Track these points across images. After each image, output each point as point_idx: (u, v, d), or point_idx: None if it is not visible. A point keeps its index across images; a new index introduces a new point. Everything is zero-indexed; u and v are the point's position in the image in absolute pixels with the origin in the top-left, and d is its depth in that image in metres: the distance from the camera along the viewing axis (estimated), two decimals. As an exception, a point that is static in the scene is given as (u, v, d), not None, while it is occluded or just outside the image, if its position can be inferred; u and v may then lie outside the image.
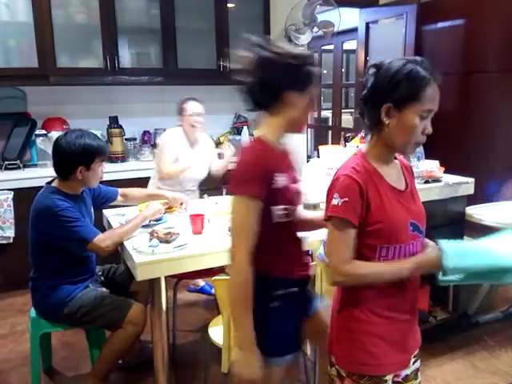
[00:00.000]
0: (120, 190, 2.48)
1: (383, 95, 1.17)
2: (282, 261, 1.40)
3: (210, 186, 3.13)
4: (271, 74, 1.30)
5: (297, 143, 4.66)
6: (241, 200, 1.27)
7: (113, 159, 3.76)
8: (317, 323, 1.50)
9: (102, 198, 2.38)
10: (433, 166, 2.69)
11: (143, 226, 2.18)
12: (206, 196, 2.80)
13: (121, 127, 3.82)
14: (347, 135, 3.13)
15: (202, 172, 3.10)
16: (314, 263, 1.74)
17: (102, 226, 2.46)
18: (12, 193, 3.21)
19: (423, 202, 1.32)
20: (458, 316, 2.81)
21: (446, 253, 1.12)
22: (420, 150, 2.73)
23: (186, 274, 2.02)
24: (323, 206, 1.28)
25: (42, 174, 3.20)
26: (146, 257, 1.86)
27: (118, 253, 2.13)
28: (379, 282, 1.19)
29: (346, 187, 1.16)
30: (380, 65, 1.19)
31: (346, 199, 1.15)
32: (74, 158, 2.02)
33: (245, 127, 4.27)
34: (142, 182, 2.99)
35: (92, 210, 2.28)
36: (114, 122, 3.81)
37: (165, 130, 3.71)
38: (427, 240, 1.29)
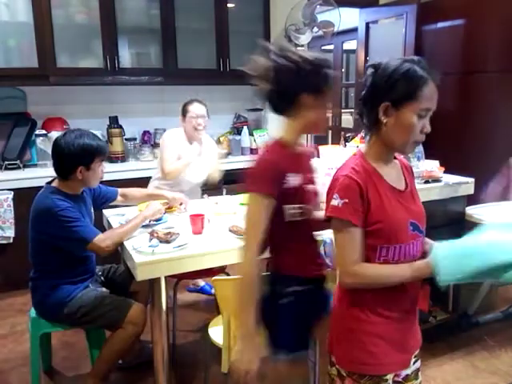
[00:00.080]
0: (120, 190, 2.48)
1: (381, 94, 1.17)
2: (295, 259, 1.43)
3: (210, 185, 3.12)
4: (288, 80, 1.34)
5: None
6: (254, 197, 1.35)
7: (113, 159, 3.76)
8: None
9: (102, 198, 2.38)
10: (433, 166, 2.69)
11: (143, 226, 2.18)
12: (205, 196, 2.80)
13: (121, 127, 3.82)
14: (347, 135, 3.13)
15: (200, 175, 3.04)
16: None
17: (102, 226, 2.46)
18: (12, 193, 3.21)
19: (423, 202, 1.32)
20: (458, 316, 2.81)
21: (438, 266, 1.11)
22: (420, 149, 2.73)
23: (186, 273, 2.02)
24: (323, 206, 1.28)
25: (42, 173, 3.21)
26: (146, 257, 1.85)
27: (118, 253, 2.13)
28: (386, 284, 1.18)
29: (346, 188, 1.16)
30: (378, 65, 1.20)
31: (346, 200, 1.15)
32: (73, 158, 2.02)
33: (245, 127, 4.28)
34: (142, 182, 2.98)
35: (92, 210, 2.28)
36: (114, 122, 3.81)
37: (165, 130, 3.71)
38: (427, 240, 1.29)
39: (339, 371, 1.28)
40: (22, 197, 3.11)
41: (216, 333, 1.94)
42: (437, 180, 2.62)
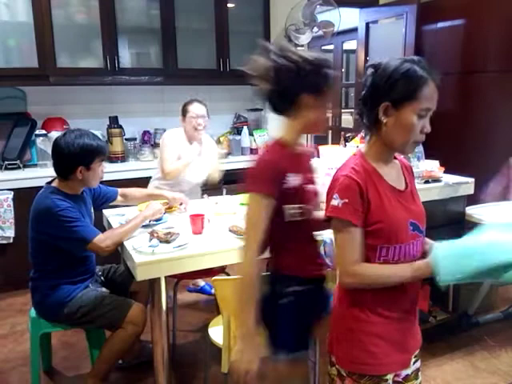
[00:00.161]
0: (120, 190, 2.48)
1: (381, 94, 1.17)
2: (295, 259, 1.43)
3: (210, 186, 3.12)
4: (287, 80, 1.34)
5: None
6: (253, 197, 1.36)
7: (113, 159, 3.76)
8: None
9: (102, 198, 2.38)
10: (433, 166, 2.69)
11: (143, 226, 2.18)
12: (205, 196, 2.80)
13: (121, 127, 3.82)
14: (347, 135, 3.13)
15: (200, 175, 3.03)
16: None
17: (102, 226, 2.46)
18: (12, 193, 3.21)
19: (423, 202, 1.32)
20: (458, 316, 2.81)
21: (438, 266, 1.11)
22: (420, 149, 2.73)
23: (186, 273, 2.02)
24: (323, 206, 1.28)
25: (42, 174, 3.21)
26: (146, 257, 1.85)
27: (117, 253, 2.13)
28: (386, 284, 1.18)
29: (346, 188, 1.16)
30: (377, 65, 1.20)
31: (346, 200, 1.15)
32: (73, 158, 2.02)
33: (245, 127, 4.28)
34: (142, 182, 2.98)
35: (92, 210, 2.28)
36: (114, 122, 3.81)
37: (165, 130, 3.71)
38: (427, 240, 1.29)
39: (339, 371, 1.28)
40: (22, 197, 3.11)
41: (216, 333, 1.94)
42: (437, 180, 2.62)
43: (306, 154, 1.52)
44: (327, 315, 1.40)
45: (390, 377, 1.24)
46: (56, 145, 2.05)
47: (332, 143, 5.14)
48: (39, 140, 3.52)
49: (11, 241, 3.25)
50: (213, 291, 3.01)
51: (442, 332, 2.70)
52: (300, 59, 1.33)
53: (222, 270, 2.46)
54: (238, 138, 4.28)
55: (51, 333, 2.37)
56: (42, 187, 2.12)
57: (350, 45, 5.79)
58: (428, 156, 2.77)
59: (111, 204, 2.47)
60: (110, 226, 2.31)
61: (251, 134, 4.27)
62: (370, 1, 4.66)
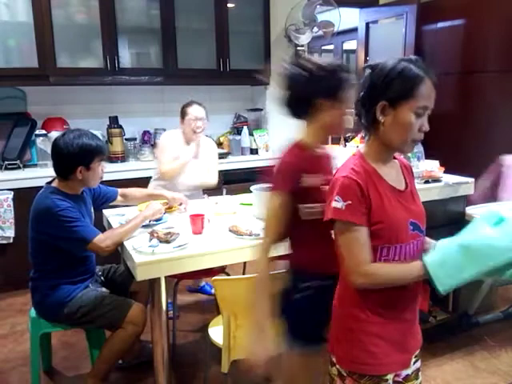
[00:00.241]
0: (120, 190, 2.48)
1: (378, 94, 1.18)
2: (313, 256, 1.48)
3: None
4: (302, 88, 1.43)
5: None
6: (271, 195, 1.44)
7: (113, 159, 3.76)
8: None
9: (102, 198, 2.38)
10: (433, 166, 2.69)
11: (143, 226, 2.18)
12: (205, 196, 2.80)
13: (121, 127, 3.82)
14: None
15: (195, 178, 2.95)
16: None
17: (102, 226, 2.46)
18: (12, 193, 3.21)
19: (423, 202, 1.32)
20: (458, 316, 2.81)
21: (435, 276, 1.09)
22: (420, 149, 2.73)
23: (186, 273, 2.02)
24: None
25: (42, 174, 3.21)
26: (146, 257, 1.85)
27: (117, 253, 2.13)
28: (396, 284, 1.18)
29: (347, 189, 1.16)
30: (374, 65, 1.21)
31: (350, 202, 1.15)
32: (72, 158, 2.02)
33: (245, 127, 4.28)
34: (142, 182, 2.98)
35: (92, 210, 2.28)
36: (114, 122, 3.81)
37: (165, 130, 3.72)
38: (428, 239, 1.29)
39: (340, 371, 1.28)
40: (22, 197, 3.11)
41: (216, 333, 1.94)
42: (437, 180, 2.62)
43: (326, 156, 1.57)
44: None
45: (390, 377, 1.24)
46: (55, 145, 2.05)
47: (332, 143, 5.13)
48: (39, 140, 3.52)
49: (11, 241, 3.25)
50: (213, 291, 3.01)
51: (442, 332, 2.70)
52: (313, 66, 1.41)
53: (222, 270, 2.46)
54: (238, 137, 4.28)
55: (51, 333, 2.37)
56: (42, 187, 2.12)
57: (350, 45, 5.80)
58: (428, 156, 2.77)
59: (111, 204, 2.47)
60: (110, 226, 2.31)
61: (251, 134, 4.27)
62: (370, 1, 4.66)
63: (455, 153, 3.60)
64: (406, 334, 1.27)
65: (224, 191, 2.89)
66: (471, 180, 2.69)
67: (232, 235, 2.07)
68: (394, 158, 1.30)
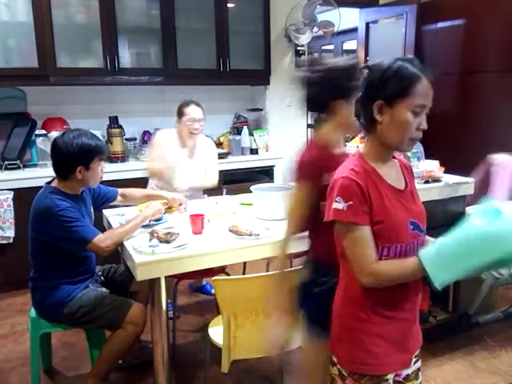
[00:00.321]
0: (120, 191, 2.47)
1: (374, 93, 1.18)
2: (330, 250, 1.48)
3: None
4: (317, 90, 1.52)
5: (297, 143, 4.67)
6: (295, 187, 1.54)
7: (113, 159, 3.76)
8: None
9: (102, 198, 2.38)
10: (433, 166, 2.69)
11: (143, 226, 2.18)
12: (205, 196, 2.80)
13: (121, 127, 3.82)
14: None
15: (192, 179, 2.87)
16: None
17: (102, 226, 2.46)
18: (12, 193, 3.21)
19: (423, 202, 1.32)
20: (458, 316, 2.81)
21: (432, 274, 1.08)
22: (420, 150, 2.73)
23: (186, 273, 2.02)
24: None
25: (41, 174, 3.21)
26: (146, 257, 1.85)
27: (117, 253, 2.14)
28: (402, 281, 1.17)
29: (347, 189, 1.16)
30: (371, 66, 1.22)
31: (351, 202, 1.15)
32: (72, 158, 2.02)
33: (245, 127, 4.28)
34: (142, 182, 2.98)
35: (92, 210, 2.28)
36: (114, 122, 3.80)
37: (165, 130, 3.71)
38: (429, 238, 1.29)
39: (340, 371, 1.28)
40: (22, 197, 3.11)
41: (216, 333, 1.94)
42: (437, 180, 2.62)
43: (345, 155, 1.58)
44: None
45: (390, 377, 1.24)
46: (55, 145, 2.05)
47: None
48: (39, 140, 3.52)
49: (11, 241, 3.25)
50: (213, 291, 3.01)
51: (442, 332, 2.70)
52: (326, 69, 1.49)
53: (221, 270, 2.46)
54: (237, 137, 4.28)
55: (51, 333, 2.37)
56: (41, 187, 2.12)
57: (350, 45, 5.80)
58: (428, 156, 2.77)
59: (111, 204, 2.47)
60: (110, 226, 2.31)
61: (251, 134, 4.27)
62: (370, 1, 4.67)
63: (455, 153, 3.60)
64: (407, 333, 1.27)
65: (224, 191, 2.88)
66: (471, 180, 2.68)
67: (232, 235, 2.07)
68: (394, 157, 1.30)
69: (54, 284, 2.08)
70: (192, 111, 2.82)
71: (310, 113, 5.35)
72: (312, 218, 1.50)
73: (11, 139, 3.51)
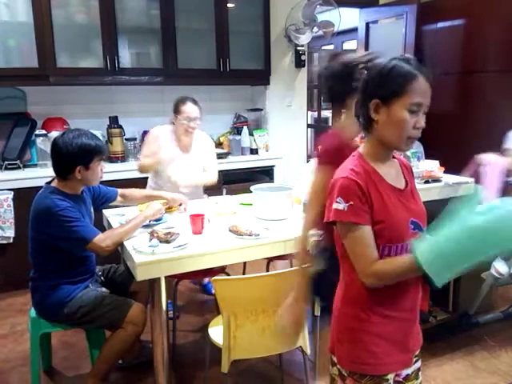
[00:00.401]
0: (119, 191, 2.47)
1: (370, 92, 1.19)
2: None
3: (210, 186, 3.10)
4: (336, 83, 1.59)
5: (297, 143, 4.67)
6: (317, 171, 1.62)
7: (113, 159, 3.76)
8: None
9: (102, 199, 2.38)
10: (433, 166, 2.69)
11: (143, 226, 2.18)
12: (205, 196, 2.79)
13: (121, 127, 3.82)
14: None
15: (189, 176, 2.84)
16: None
17: (102, 226, 2.46)
18: (12, 193, 3.21)
19: (423, 202, 1.32)
20: (459, 316, 2.81)
21: (430, 273, 1.08)
22: (420, 149, 2.73)
23: (186, 274, 2.02)
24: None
25: (42, 174, 3.21)
26: (146, 257, 1.86)
27: (117, 253, 2.14)
28: (399, 278, 1.16)
29: (347, 189, 1.16)
30: (369, 66, 1.23)
31: (352, 202, 1.15)
32: (71, 157, 2.02)
33: (245, 127, 4.28)
34: (142, 182, 2.98)
35: (92, 210, 2.28)
36: (114, 122, 3.81)
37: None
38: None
39: (340, 371, 1.28)
40: (22, 197, 3.11)
41: (216, 333, 1.94)
42: (437, 180, 2.62)
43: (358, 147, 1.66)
44: None
45: (390, 376, 1.24)
46: (54, 145, 2.05)
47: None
48: (39, 140, 3.52)
49: (11, 241, 3.24)
50: (213, 291, 3.01)
51: (442, 332, 2.70)
52: (341, 65, 1.54)
53: (221, 270, 2.46)
54: (237, 137, 4.28)
55: (51, 333, 2.37)
56: (41, 187, 2.12)
57: (349, 45, 5.80)
58: (428, 156, 2.78)
59: (111, 204, 2.47)
60: (110, 226, 2.31)
61: (251, 134, 4.27)
62: (370, 1, 4.67)
63: (455, 153, 3.59)
64: (407, 333, 1.27)
65: (224, 191, 2.88)
66: (471, 180, 2.69)
67: (232, 235, 2.07)
68: (394, 157, 1.30)
69: (53, 284, 2.08)
70: (188, 109, 2.78)
71: (310, 112, 5.35)
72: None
73: (11, 139, 3.51)
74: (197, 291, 3.35)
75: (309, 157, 4.80)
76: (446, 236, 1.08)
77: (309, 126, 5.12)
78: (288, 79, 4.50)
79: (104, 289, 2.25)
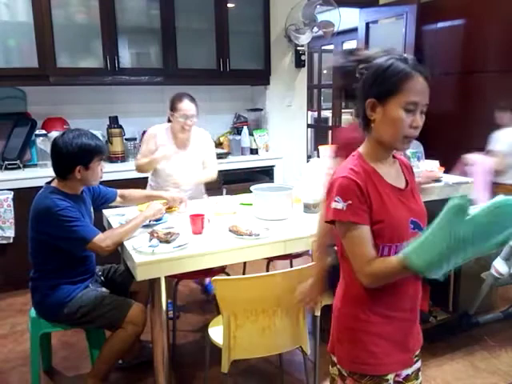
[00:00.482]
0: (119, 192, 2.47)
1: (366, 91, 1.19)
2: None
3: (210, 185, 3.10)
4: (353, 80, 1.52)
5: (297, 143, 4.67)
6: (332, 166, 1.71)
7: (113, 159, 3.76)
8: None
9: (102, 199, 2.38)
10: (433, 166, 2.69)
11: (143, 226, 2.18)
12: (205, 196, 2.79)
13: (121, 127, 3.82)
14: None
15: (188, 174, 2.84)
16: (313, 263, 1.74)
17: (102, 226, 2.46)
18: (12, 193, 3.21)
19: (423, 202, 1.32)
20: (459, 316, 2.81)
21: (408, 253, 1.07)
22: (420, 149, 2.73)
23: (186, 273, 2.02)
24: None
25: (42, 174, 3.21)
26: (146, 257, 1.86)
27: (117, 253, 2.14)
28: (396, 277, 1.15)
29: (346, 189, 1.16)
30: (367, 66, 1.22)
31: (350, 202, 1.15)
32: (71, 157, 2.02)
33: (245, 127, 4.28)
34: (142, 182, 2.98)
35: (92, 210, 2.28)
36: (114, 122, 3.81)
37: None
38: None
39: (340, 371, 1.28)
40: (22, 197, 3.11)
41: (216, 333, 1.94)
42: (437, 180, 2.62)
43: None
44: None
45: (390, 377, 1.24)
46: (54, 145, 2.05)
47: (332, 143, 5.13)
48: (39, 140, 3.52)
49: (11, 241, 3.25)
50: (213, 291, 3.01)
51: (443, 332, 2.70)
52: (354, 62, 1.44)
53: (221, 270, 2.45)
54: (237, 137, 4.28)
55: (51, 333, 2.37)
56: (41, 187, 2.12)
57: (350, 45, 5.79)
58: (428, 156, 2.77)
59: (111, 205, 2.47)
60: (110, 226, 2.31)
61: (251, 134, 4.27)
62: (370, 1, 4.67)
63: (455, 153, 3.60)
64: (407, 333, 1.27)
65: (224, 191, 2.88)
66: (471, 180, 2.69)
67: (232, 235, 2.08)
68: (394, 157, 1.30)
69: (53, 284, 2.08)
70: (185, 107, 2.75)
71: (310, 112, 5.33)
72: None
73: (11, 139, 3.51)
74: (197, 291, 3.35)
75: (308, 157, 4.80)
76: (430, 231, 1.09)
77: (309, 126, 5.13)
78: (288, 79, 4.50)
79: (104, 289, 2.25)
